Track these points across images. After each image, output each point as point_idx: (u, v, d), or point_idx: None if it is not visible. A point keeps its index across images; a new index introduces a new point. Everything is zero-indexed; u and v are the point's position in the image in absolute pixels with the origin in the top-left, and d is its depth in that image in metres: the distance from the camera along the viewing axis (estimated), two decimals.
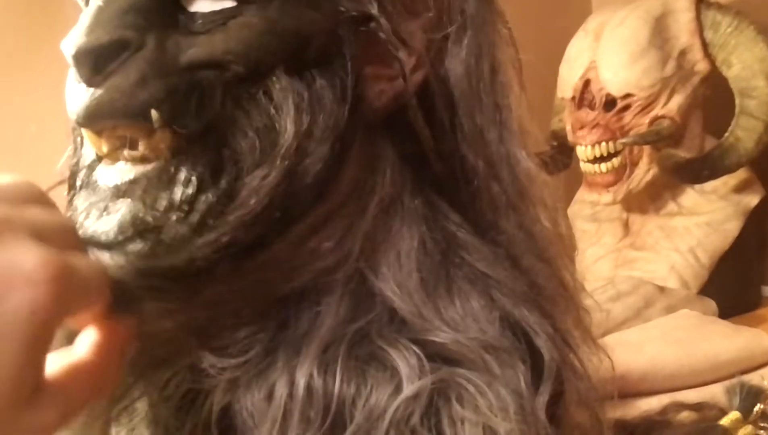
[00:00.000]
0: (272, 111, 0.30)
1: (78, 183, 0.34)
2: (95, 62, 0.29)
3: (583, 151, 0.95)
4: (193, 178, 0.29)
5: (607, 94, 0.91)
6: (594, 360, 0.39)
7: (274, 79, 0.30)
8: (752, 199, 0.95)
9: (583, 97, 0.93)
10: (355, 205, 0.33)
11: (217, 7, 0.30)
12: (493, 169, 0.35)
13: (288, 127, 0.30)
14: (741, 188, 0.95)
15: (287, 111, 0.30)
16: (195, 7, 0.30)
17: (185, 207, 0.29)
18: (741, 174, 0.93)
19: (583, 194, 1.06)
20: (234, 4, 0.30)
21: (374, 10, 0.31)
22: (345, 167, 0.32)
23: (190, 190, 0.29)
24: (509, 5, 0.38)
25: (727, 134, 0.86)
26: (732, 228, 0.95)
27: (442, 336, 0.32)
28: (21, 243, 0.22)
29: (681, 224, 0.98)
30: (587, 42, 0.95)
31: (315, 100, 0.30)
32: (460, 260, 0.34)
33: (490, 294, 0.33)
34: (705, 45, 0.88)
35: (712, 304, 0.94)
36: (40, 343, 0.22)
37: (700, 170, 0.89)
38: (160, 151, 0.30)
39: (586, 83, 0.93)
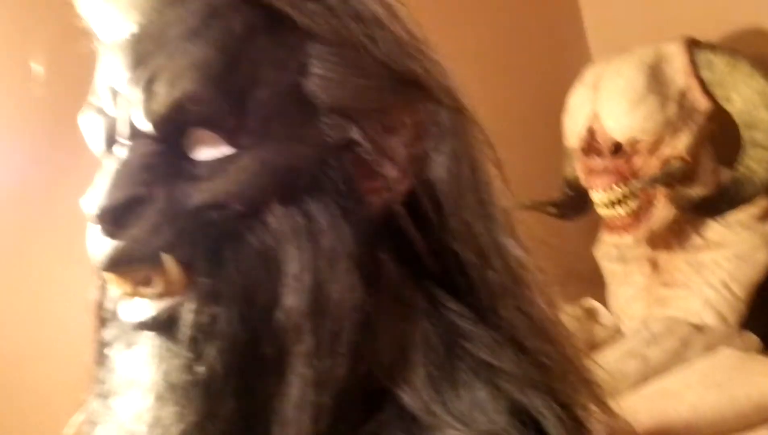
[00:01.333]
0: (270, 240, 0.32)
1: (105, 316, 0.37)
2: (114, 219, 0.32)
3: (598, 197, 0.95)
4: (205, 309, 0.32)
5: (614, 141, 0.92)
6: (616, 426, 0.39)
7: (270, 211, 0.32)
8: None
9: (590, 145, 0.94)
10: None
11: (218, 154, 0.33)
12: (485, 260, 0.36)
13: (291, 252, 0.32)
14: (765, 217, 0.93)
15: (286, 237, 0.32)
16: (198, 156, 0.33)
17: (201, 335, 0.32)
18: (763, 202, 0.92)
19: (605, 235, 1.05)
20: (232, 150, 0.33)
21: (356, 135, 0.34)
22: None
23: (202, 319, 0.32)
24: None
25: (738, 165, 0.85)
26: (761, 257, 0.93)
27: (451, 432, 0.32)
28: None
29: (709, 258, 0.96)
30: (586, 94, 0.96)
31: (312, 224, 0.33)
32: (462, 351, 0.35)
33: (496, 383, 0.34)
34: (703, 84, 0.88)
35: (753, 339, 0.91)
36: None
37: (717, 204, 0.88)
38: (175, 287, 0.33)
39: (591, 133, 0.94)
